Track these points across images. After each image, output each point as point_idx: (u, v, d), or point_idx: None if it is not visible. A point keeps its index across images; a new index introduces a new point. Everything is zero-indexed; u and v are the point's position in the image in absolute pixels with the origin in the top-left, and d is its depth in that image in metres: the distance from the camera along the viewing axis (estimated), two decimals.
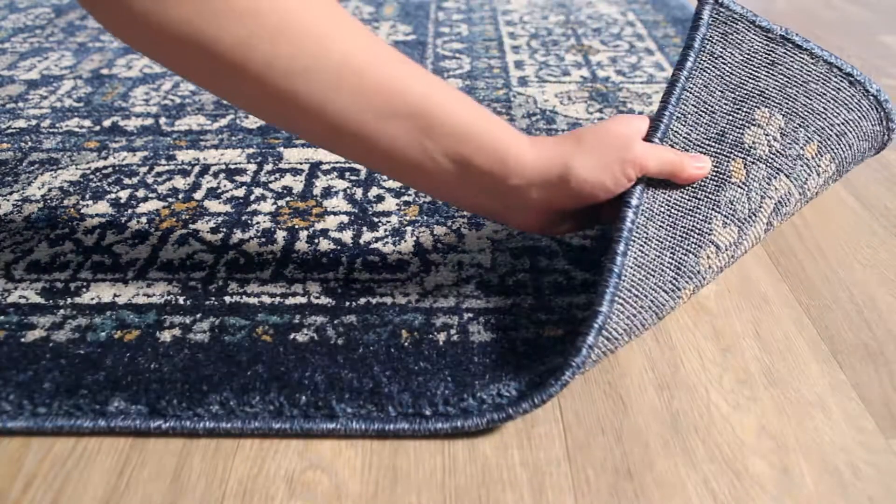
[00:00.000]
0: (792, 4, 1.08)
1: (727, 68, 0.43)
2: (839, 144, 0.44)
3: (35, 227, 0.55)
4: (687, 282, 0.40)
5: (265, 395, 0.39)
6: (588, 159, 0.40)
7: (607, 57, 0.88)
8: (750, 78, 0.43)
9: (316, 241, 0.53)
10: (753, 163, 0.42)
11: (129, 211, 0.57)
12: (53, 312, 0.46)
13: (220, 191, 0.60)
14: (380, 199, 0.58)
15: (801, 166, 0.43)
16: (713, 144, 0.42)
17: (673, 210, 0.41)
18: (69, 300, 0.47)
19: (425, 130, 0.38)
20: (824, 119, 0.43)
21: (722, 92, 0.43)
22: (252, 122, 0.72)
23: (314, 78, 0.36)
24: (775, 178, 0.42)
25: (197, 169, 0.63)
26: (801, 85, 0.43)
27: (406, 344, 0.43)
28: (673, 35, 0.94)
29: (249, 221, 0.55)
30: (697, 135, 0.42)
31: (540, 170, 0.40)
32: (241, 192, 0.59)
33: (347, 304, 0.46)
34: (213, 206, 0.58)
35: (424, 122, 0.38)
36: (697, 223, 0.41)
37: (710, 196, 0.41)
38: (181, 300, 0.47)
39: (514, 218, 0.44)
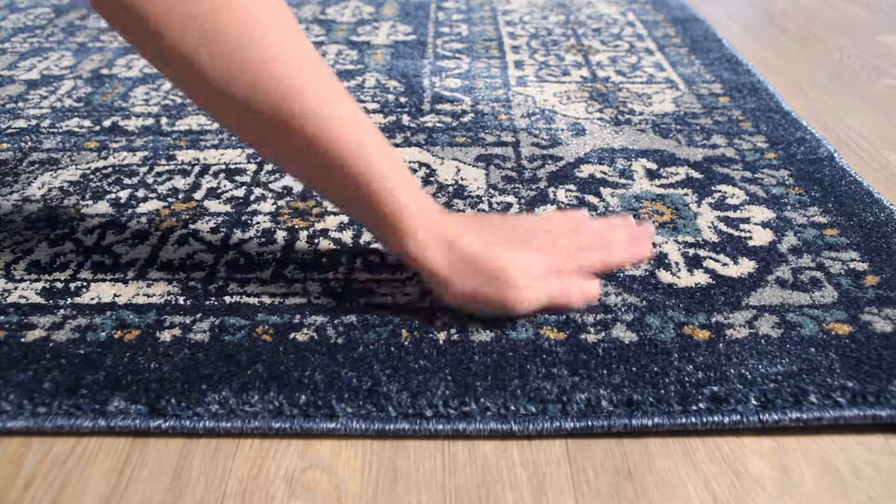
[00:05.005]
0: (792, 4, 1.08)
1: None
2: None
3: (35, 227, 0.55)
4: None
5: (265, 394, 0.39)
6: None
7: (607, 57, 0.88)
8: None
9: (316, 241, 0.53)
10: None
11: (129, 211, 0.57)
12: (53, 312, 0.46)
13: (220, 191, 0.60)
14: None
15: None
16: None
17: None
18: (69, 300, 0.47)
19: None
20: None
21: None
22: None
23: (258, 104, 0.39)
24: None
25: (197, 169, 0.63)
26: None
27: (406, 343, 0.43)
28: (673, 35, 0.94)
29: (249, 221, 0.55)
30: None
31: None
32: (241, 192, 0.59)
33: (347, 303, 0.46)
34: (213, 206, 0.58)
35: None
36: None
37: None
38: (181, 300, 0.47)
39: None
